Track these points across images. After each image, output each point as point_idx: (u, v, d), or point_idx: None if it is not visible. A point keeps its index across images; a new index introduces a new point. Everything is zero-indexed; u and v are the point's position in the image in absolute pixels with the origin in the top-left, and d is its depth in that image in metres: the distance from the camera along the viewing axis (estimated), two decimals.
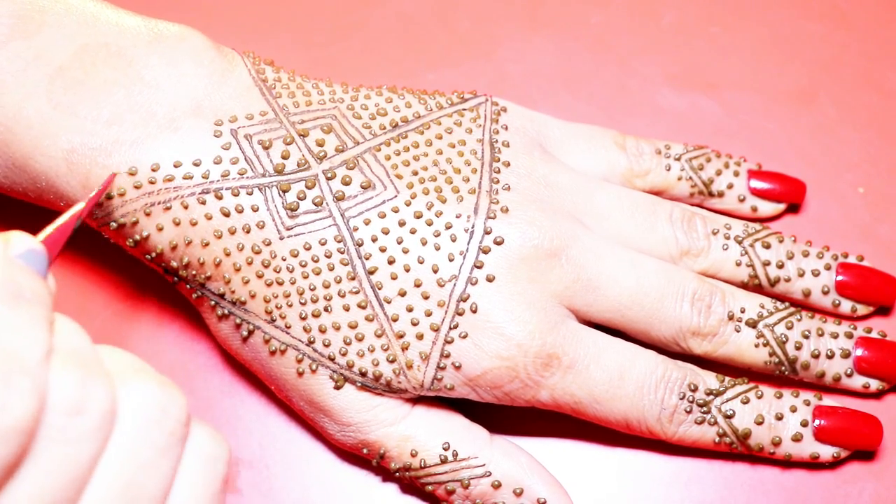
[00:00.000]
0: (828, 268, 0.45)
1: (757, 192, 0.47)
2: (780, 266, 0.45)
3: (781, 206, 0.48)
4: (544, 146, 0.45)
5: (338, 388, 0.41)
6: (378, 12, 0.53)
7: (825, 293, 0.45)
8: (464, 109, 0.44)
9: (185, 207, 0.40)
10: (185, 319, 0.46)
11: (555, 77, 0.51)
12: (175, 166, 0.40)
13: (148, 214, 0.40)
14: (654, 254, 0.44)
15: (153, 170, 0.40)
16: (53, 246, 0.35)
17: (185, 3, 0.53)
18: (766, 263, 0.45)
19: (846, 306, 0.45)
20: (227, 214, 0.40)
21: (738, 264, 0.44)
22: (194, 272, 0.41)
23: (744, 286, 0.45)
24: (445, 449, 0.41)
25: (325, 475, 0.44)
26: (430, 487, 0.41)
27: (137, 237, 0.40)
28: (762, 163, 0.49)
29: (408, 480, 0.42)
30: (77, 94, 0.40)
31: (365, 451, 0.42)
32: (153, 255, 0.41)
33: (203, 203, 0.40)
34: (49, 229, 0.35)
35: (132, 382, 0.31)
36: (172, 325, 0.46)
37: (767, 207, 0.48)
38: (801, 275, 0.45)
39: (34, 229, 0.45)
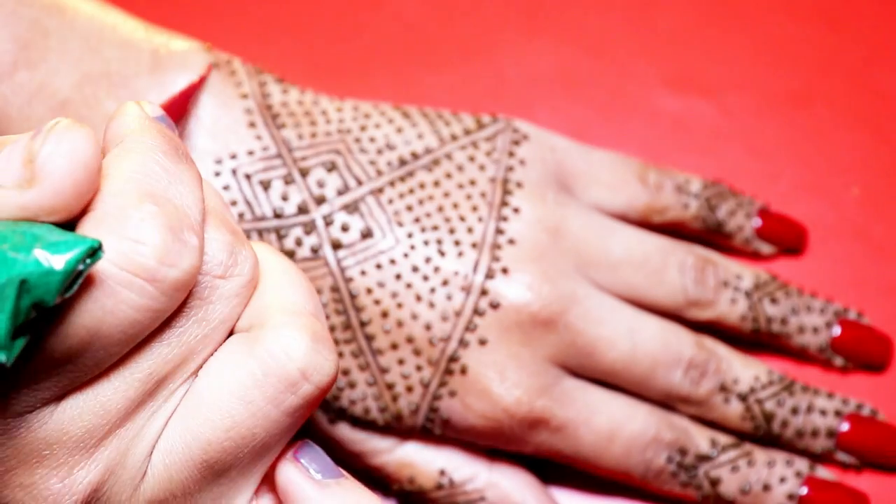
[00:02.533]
0: (828, 325, 0.45)
1: (764, 235, 0.47)
2: (783, 322, 0.44)
3: (779, 249, 0.48)
4: (563, 179, 0.44)
5: (332, 423, 0.42)
6: (378, 17, 0.52)
7: (821, 350, 0.45)
8: (479, 140, 0.43)
9: None
10: None
11: (553, 80, 0.51)
12: None
13: None
14: (660, 304, 0.43)
15: None
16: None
17: (188, 6, 0.53)
18: (770, 320, 0.44)
19: (838, 362, 0.45)
20: None
21: (744, 318, 0.44)
22: None
23: (743, 334, 0.45)
24: (441, 475, 0.42)
25: None
26: None
27: None
28: (757, 165, 0.49)
29: (411, 499, 0.43)
30: None
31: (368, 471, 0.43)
32: None
33: None
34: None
35: (284, 327, 0.30)
36: None
37: (767, 249, 0.47)
38: (801, 331, 0.45)
39: None
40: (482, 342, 0.40)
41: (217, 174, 0.40)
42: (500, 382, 0.40)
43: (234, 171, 0.40)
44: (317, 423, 0.42)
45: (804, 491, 0.42)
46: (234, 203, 0.40)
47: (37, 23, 0.39)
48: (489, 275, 0.41)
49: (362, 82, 0.49)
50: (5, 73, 0.39)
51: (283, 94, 0.42)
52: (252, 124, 0.41)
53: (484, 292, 0.40)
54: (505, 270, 0.41)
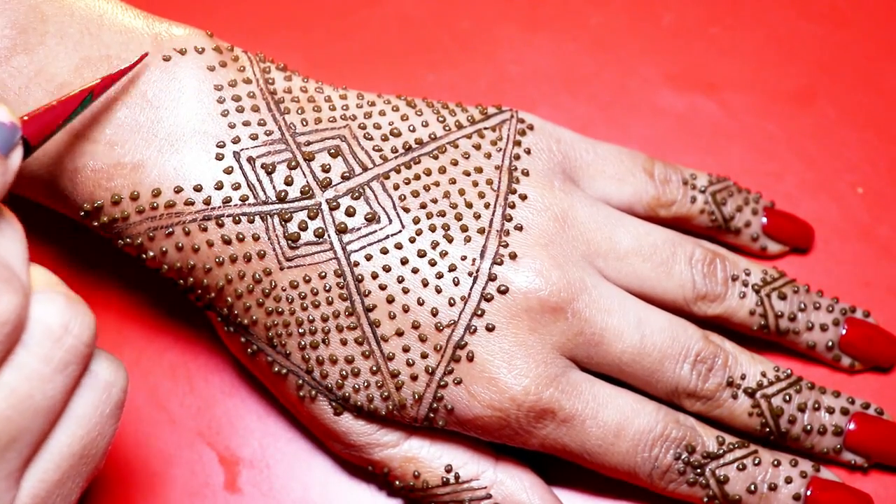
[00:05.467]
0: (836, 323, 0.45)
1: (771, 233, 0.47)
2: (792, 318, 0.44)
3: (786, 248, 0.48)
4: (569, 170, 0.44)
5: (337, 414, 0.41)
6: (378, 13, 0.52)
7: (829, 348, 0.45)
8: (485, 129, 0.43)
9: (187, 234, 0.39)
10: (186, 319, 0.46)
11: (554, 78, 0.51)
12: (176, 192, 0.39)
13: (151, 239, 0.40)
14: (668, 298, 0.43)
15: (154, 195, 0.39)
16: (43, 125, 0.35)
17: (187, 2, 0.52)
18: (779, 315, 0.44)
19: (846, 361, 0.45)
20: (228, 242, 0.39)
21: (752, 313, 0.44)
22: (200, 292, 0.41)
23: (751, 332, 0.44)
24: (448, 471, 0.41)
25: (325, 474, 0.44)
26: None
27: (144, 256, 0.40)
28: (761, 164, 0.49)
29: (413, 498, 0.42)
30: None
31: (370, 468, 0.42)
32: (162, 272, 0.40)
33: (204, 230, 0.39)
34: (43, 107, 0.35)
35: (38, 295, 0.32)
36: (173, 325, 0.46)
37: (775, 248, 0.47)
38: (810, 329, 0.45)
39: (44, 228, 0.45)
40: (490, 328, 0.40)
41: (220, 157, 0.40)
42: (508, 371, 0.40)
43: (236, 155, 0.40)
44: (321, 416, 0.41)
45: (809, 492, 0.42)
46: (236, 187, 0.40)
47: (35, 8, 0.39)
48: (497, 260, 0.40)
49: (362, 79, 0.49)
50: (2, 57, 0.39)
51: (286, 81, 0.42)
52: (255, 108, 0.41)
53: (492, 277, 0.40)
54: (513, 256, 0.40)
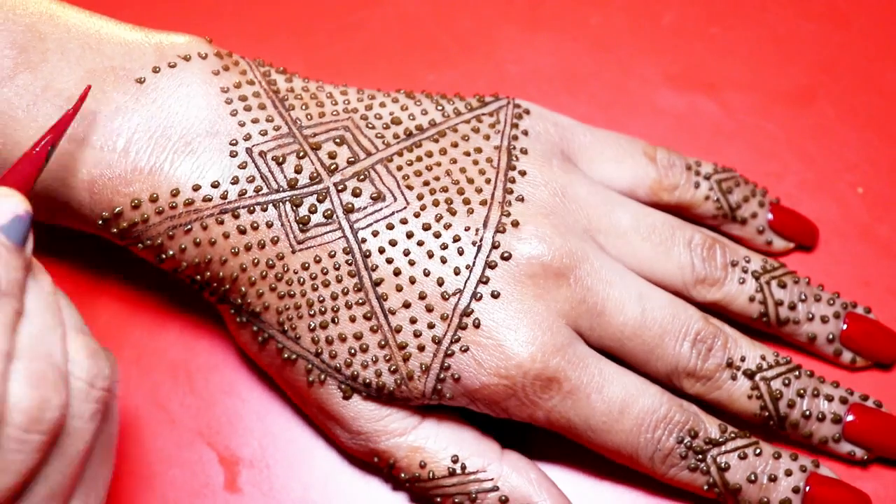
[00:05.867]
0: (836, 316, 0.45)
1: (777, 228, 0.47)
2: (792, 307, 0.44)
3: (792, 245, 0.47)
4: (567, 153, 0.45)
5: (346, 398, 0.41)
6: (378, 13, 0.53)
7: (829, 341, 0.45)
8: (483, 115, 0.44)
9: (205, 228, 0.40)
10: (186, 319, 0.46)
11: (554, 77, 0.51)
12: (194, 189, 0.40)
13: (171, 237, 0.41)
14: (667, 280, 0.43)
15: (173, 195, 0.40)
16: (24, 184, 0.35)
17: (186, 5, 0.53)
18: (779, 303, 0.44)
19: (847, 356, 0.45)
20: (243, 232, 0.41)
21: (752, 300, 0.44)
22: (215, 285, 0.41)
23: (751, 321, 0.44)
24: (454, 461, 0.41)
25: (325, 474, 0.44)
26: (438, 499, 0.42)
27: (163, 256, 0.41)
28: (761, 164, 0.49)
29: (417, 491, 0.42)
30: (91, 124, 0.40)
31: (375, 459, 0.42)
32: (178, 271, 0.41)
33: (221, 223, 0.40)
34: (7, 171, 0.35)
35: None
36: (172, 325, 0.46)
37: (780, 244, 0.47)
38: (810, 319, 0.45)
39: (45, 228, 0.45)
40: (495, 295, 0.40)
41: (233, 154, 0.41)
42: (514, 337, 0.40)
43: (249, 151, 0.41)
44: (329, 400, 0.41)
45: (808, 487, 0.42)
46: (251, 179, 0.41)
47: (32, 27, 0.40)
48: (500, 228, 0.41)
49: (363, 79, 0.49)
50: (6, 77, 0.40)
51: (287, 82, 0.44)
52: (262, 106, 0.42)
53: (495, 245, 0.41)
54: (515, 224, 0.41)
